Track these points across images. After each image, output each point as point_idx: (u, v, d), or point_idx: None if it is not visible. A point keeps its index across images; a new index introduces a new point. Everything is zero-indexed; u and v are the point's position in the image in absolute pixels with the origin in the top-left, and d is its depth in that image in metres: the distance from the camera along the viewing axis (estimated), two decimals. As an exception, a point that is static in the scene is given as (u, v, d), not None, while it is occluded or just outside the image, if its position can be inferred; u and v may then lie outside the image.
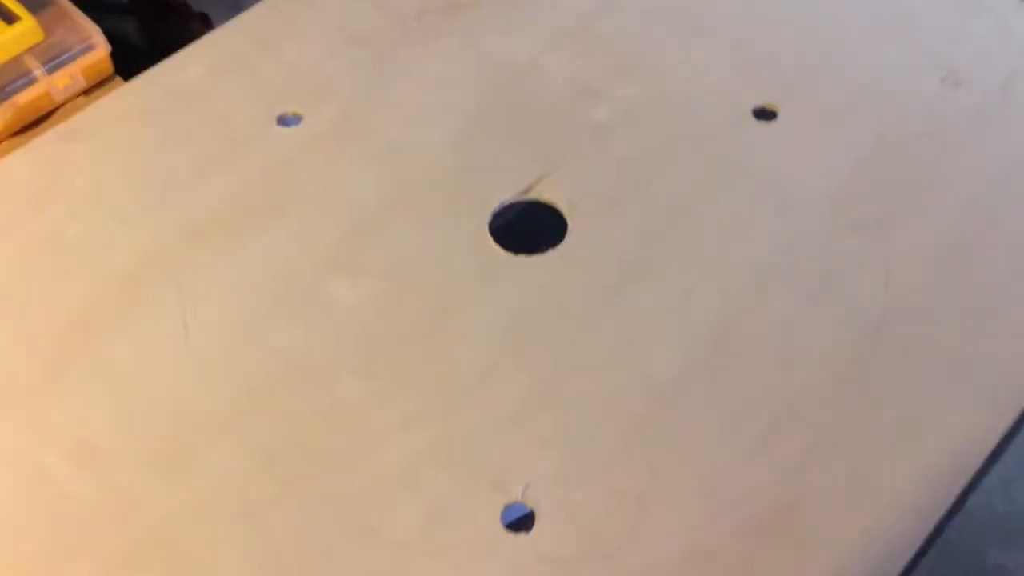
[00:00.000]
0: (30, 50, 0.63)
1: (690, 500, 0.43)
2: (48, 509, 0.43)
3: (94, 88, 0.66)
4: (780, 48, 0.60)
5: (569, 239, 0.52)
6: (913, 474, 0.44)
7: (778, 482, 0.43)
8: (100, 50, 0.65)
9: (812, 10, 0.62)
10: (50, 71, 0.63)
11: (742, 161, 0.55)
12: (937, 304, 0.49)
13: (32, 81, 0.62)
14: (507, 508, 0.43)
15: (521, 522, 0.42)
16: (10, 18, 0.63)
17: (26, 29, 0.64)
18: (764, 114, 0.57)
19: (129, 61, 0.65)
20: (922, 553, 0.43)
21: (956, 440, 0.45)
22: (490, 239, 0.52)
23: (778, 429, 0.45)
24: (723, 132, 0.56)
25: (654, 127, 0.56)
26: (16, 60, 0.63)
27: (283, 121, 0.57)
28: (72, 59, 0.65)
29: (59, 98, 0.64)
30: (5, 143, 0.57)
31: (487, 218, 0.53)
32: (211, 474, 0.44)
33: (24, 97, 0.62)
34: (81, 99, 0.65)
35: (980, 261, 0.50)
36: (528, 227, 0.54)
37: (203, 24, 0.81)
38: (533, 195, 0.54)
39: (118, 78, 0.66)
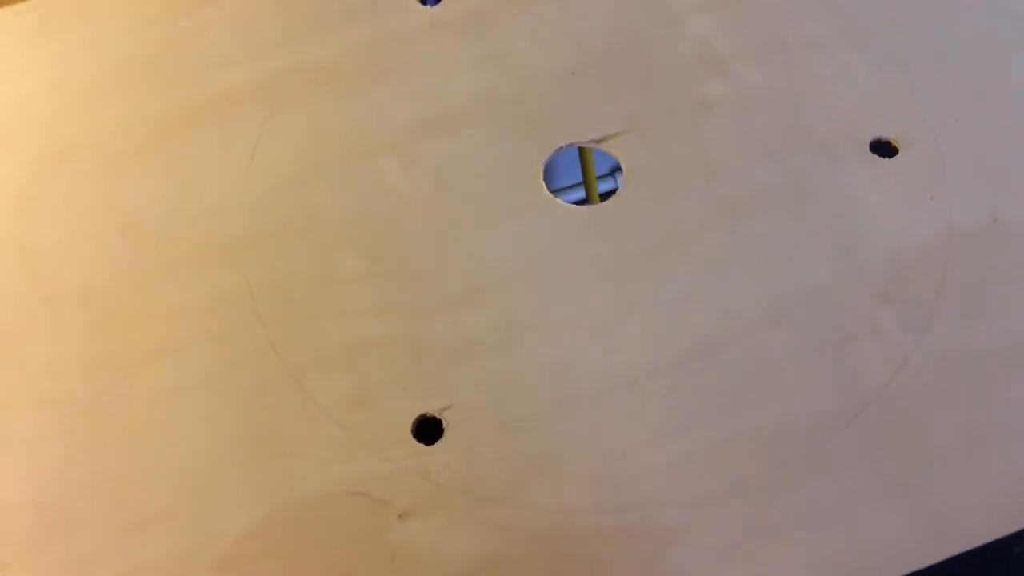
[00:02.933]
0: None
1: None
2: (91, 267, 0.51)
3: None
4: (939, 82, 0.54)
5: (611, 202, 0.52)
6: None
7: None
8: None
9: (998, 61, 0.55)
10: None
11: (829, 189, 0.51)
12: (935, 413, 0.44)
13: None
14: (421, 420, 0.46)
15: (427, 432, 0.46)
16: None
17: None
18: (882, 148, 0.52)
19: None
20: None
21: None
22: (540, 174, 0.53)
23: (699, 457, 0.44)
24: (827, 152, 0.52)
25: (756, 124, 0.53)
26: None
27: (423, -2, 0.60)
28: None
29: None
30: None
31: (549, 152, 0.53)
32: (205, 286, 0.50)
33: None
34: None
35: (1009, 392, 0.45)
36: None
37: None
38: (603, 146, 0.54)
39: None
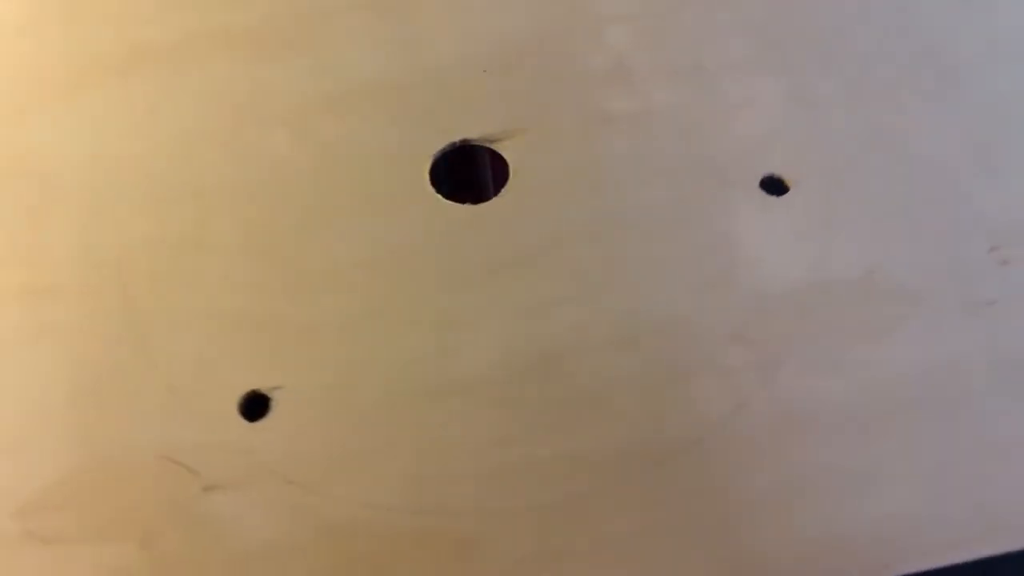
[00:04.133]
0: None
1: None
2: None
3: None
4: (846, 123, 0.52)
5: (492, 203, 0.51)
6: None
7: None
8: None
9: (910, 105, 0.53)
10: None
11: (711, 220, 0.50)
12: (760, 460, 0.43)
13: None
14: (249, 396, 0.46)
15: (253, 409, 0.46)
16: None
17: None
18: (773, 185, 0.51)
19: None
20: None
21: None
22: (427, 167, 0.52)
23: (513, 472, 0.43)
24: (717, 182, 0.51)
25: (653, 143, 0.52)
26: None
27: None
28: None
29: None
30: None
31: (441, 146, 0.53)
32: (74, 236, 0.50)
33: None
34: None
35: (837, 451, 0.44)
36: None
37: None
38: (495, 146, 0.53)
39: None
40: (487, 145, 0.53)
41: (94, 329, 0.47)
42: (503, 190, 0.51)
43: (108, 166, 0.52)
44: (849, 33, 0.56)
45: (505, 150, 0.53)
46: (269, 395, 0.45)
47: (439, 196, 0.51)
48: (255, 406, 0.45)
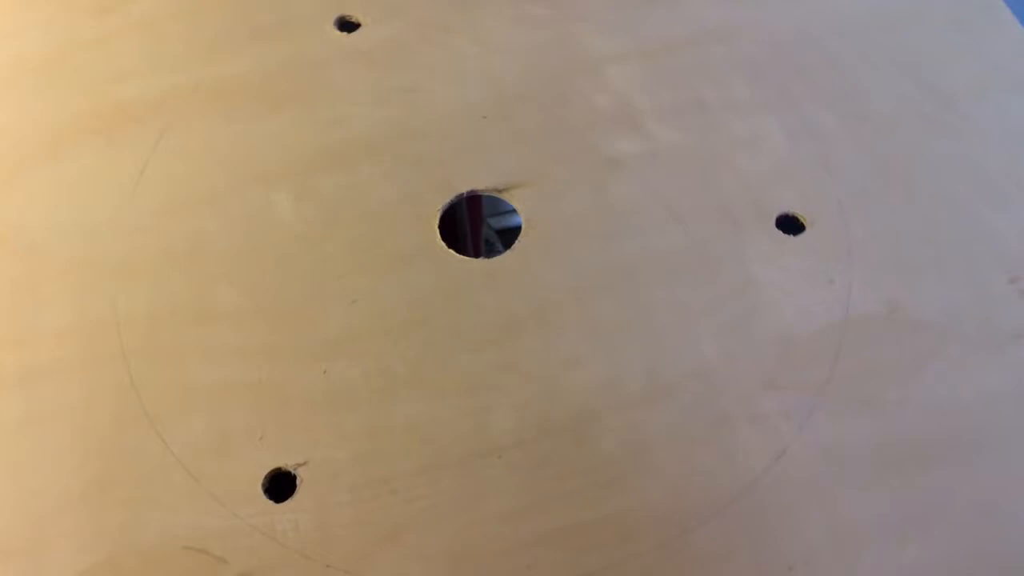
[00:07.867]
0: None
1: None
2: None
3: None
4: (854, 159, 0.52)
5: (506, 256, 0.50)
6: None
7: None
8: None
9: (916, 137, 0.53)
10: None
11: (729, 262, 0.49)
12: (806, 511, 0.43)
13: None
14: (274, 475, 0.44)
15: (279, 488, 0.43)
16: None
17: None
18: (789, 223, 0.50)
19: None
20: None
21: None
22: (436, 221, 0.51)
23: (554, 541, 0.42)
24: (732, 223, 0.50)
25: (664, 185, 0.51)
26: None
27: (339, 23, 0.58)
28: None
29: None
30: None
31: (448, 198, 0.51)
32: (70, 311, 0.47)
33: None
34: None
35: (884, 492, 0.43)
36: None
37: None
38: (504, 196, 0.52)
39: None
40: (495, 195, 0.52)
41: (100, 411, 0.45)
42: (516, 242, 0.50)
43: (98, 232, 0.50)
44: (846, 67, 0.57)
45: (514, 200, 0.51)
46: (295, 472, 0.43)
47: (451, 251, 0.50)
48: (281, 485, 0.43)
